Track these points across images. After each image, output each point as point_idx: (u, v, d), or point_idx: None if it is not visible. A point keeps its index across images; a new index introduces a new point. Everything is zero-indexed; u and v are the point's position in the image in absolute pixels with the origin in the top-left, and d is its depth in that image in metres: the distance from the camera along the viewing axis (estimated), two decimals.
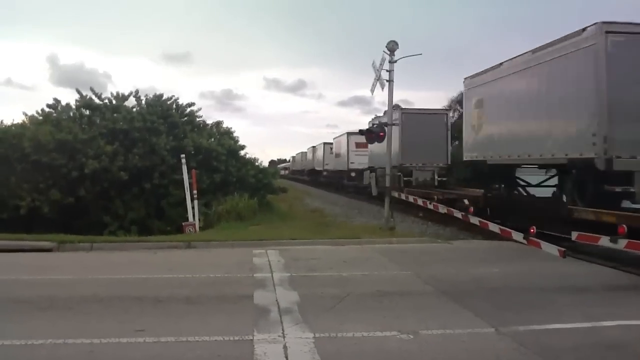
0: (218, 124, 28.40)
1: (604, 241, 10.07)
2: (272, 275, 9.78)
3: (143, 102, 25.35)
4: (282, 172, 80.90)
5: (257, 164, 27.74)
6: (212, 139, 25.62)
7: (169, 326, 6.65)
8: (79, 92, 24.61)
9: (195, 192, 18.80)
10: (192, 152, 22.95)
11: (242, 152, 26.86)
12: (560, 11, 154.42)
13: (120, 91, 25.90)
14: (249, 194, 22.92)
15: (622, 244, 9.65)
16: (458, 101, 52.98)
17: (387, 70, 17.55)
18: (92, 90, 24.70)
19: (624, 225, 9.70)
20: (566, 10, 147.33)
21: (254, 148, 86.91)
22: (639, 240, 9.48)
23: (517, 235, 12.18)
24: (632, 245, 9.53)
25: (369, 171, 29.38)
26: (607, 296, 8.76)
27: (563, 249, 10.39)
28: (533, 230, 11.24)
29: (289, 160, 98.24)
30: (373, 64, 18.08)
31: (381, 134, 17.93)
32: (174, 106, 25.68)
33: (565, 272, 10.52)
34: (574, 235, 10.81)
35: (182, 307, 7.66)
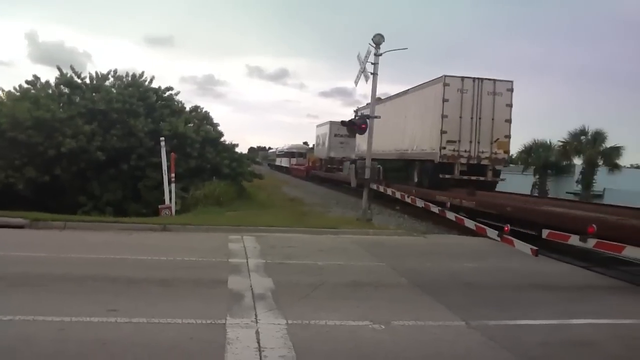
0: (196, 108, 28.00)
1: (574, 240, 10.27)
2: (247, 261, 9.76)
3: (120, 81, 24.99)
4: (278, 162, 75.22)
5: (235, 150, 27.60)
6: (190, 124, 25.33)
7: (142, 307, 6.61)
8: (59, 69, 24.23)
9: (173, 175, 18.64)
10: (169, 137, 22.73)
11: (221, 139, 26.70)
12: (545, 12, 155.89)
13: (100, 71, 25.45)
14: (223, 181, 22.81)
15: (591, 243, 9.85)
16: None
17: (372, 63, 17.58)
18: (72, 68, 24.33)
19: (594, 225, 9.93)
20: (549, 12, 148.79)
21: (234, 135, 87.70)
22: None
23: (492, 233, 12.35)
24: (600, 245, 9.73)
25: (349, 162, 29.57)
26: (578, 294, 8.93)
27: (535, 248, 10.56)
28: (507, 228, 11.41)
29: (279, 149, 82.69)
30: (358, 56, 18.11)
31: (363, 126, 17.96)
32: (151, 87, 25.31)
33: (538, 270, 10.69)
34: (545, 233, 10.99)
35: (155, 289, 7.61)
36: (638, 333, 6.87)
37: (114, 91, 24.09)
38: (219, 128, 27.45)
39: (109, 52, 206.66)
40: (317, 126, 50.00)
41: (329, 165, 42.48)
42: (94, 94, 23.45)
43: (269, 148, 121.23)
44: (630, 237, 9.38)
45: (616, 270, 10.75)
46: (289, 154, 67.01)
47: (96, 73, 24.87)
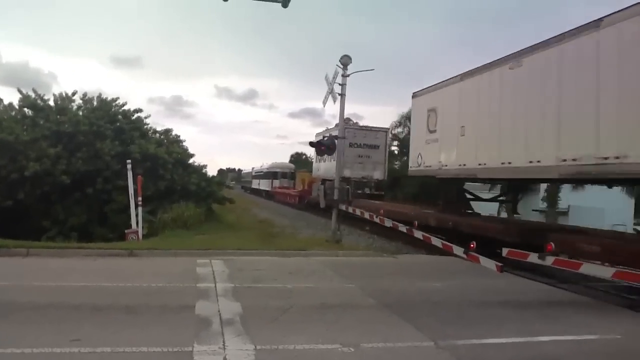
0: (167, 132, 27.94)
1: (533, 258, 10.44)
2: (215, 286, 9.65)
3: (88, 105, 24.67)
4: (255, 184, 64.70)
5: (203, 171, 27.49)
6: (161, 147, 25.19)
7: (107, 336, 6.47)
8: (20, 91, 23.76)
9: (139, 199, 18.40)
10: (139, 159, 22.46)
11: (190, 160, 26.62)
12: (506, 31, 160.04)
13: (66, 92, 25.06)
14: (194, 203, 22.62)
15: (549, 260, 10.04)
16: (407, 117, 54.16)
17: (339, 84, 17.78)
18: (34, 91, 23.93)
19: (552, 243, 10.16)
20: (514, 30, 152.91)
21: (203, 156, 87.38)
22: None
23: (458, 250, 12.47)
24: (558, 263, 9.93)
25: (318, 183, 29.94)
26: (544, 312, 9.06)
27: (500, 264, 10.70)
28: (473, 245, 11.55)
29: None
30: (326, 77, 18.28)
31: (331, 147, 18.07)
32: (120, 111, 25.11)
33: (505, 288, 10.84)
34: (505, 251, 11.18)
35: (121, 317, 7.46)
36: (602, 348, 7.00)
37: (81, 113, 23.74)
38: (189, 150, 27.47)
39: (75, 73, 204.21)
40: (318, 135, 39.09)
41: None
42: (58, 117, 23.05)
43: (239, 170, 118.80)
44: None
45: (579, 287, 10.97)
46: (270, 174, 55.66)
47: (61, 94, 24.50)
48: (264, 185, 58.16)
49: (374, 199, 26.45)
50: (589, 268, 9.34)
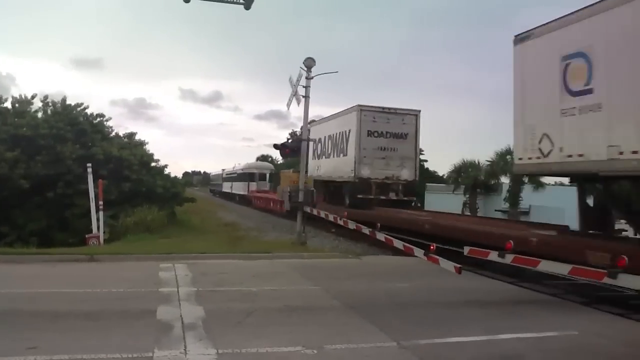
0: (131, 135, 27.61)
1: (493, 256, 10.59)
2: (178, 290, 9.54)
3: (49, 109, 24.13)
4: (227, 187, 58.19)
5: (166, 172, 27.20)
6: (125, 149, 24.82)
7: (65, 343, 6.33)
8: None
9: (101, 203, 18.06)
10: (102, 161, 22.06)
11: (153, 163, 26.29)
12: (474, 36, 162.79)
13: (25, 94, 24.47)
14: (157, 205, 22.32)
15: (509, 258, 10.20)
16: None
17: (303, 86, 17.79)
18: None
19: (511, 241, 10.34)
20: (480, 35, 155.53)
21: (168, 159, 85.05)
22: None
23: (418, 252, 12.58)
24: (518, 260, 10.10)
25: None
26: (505, 309, 9.24)
27: (459, 266, 10.81)
28: (433, 247, 11.66)
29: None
30: (290, 79, 18.27)
31: (295, 149, 18.06)
32: (82, 114, 24.65)
33: (468, 287, 10.98)
34: (466, 250, 11.33)
35: (80, 323, 7.31)
36: (561, 345, 7.15)
37: (40, 116, 23.20)
38: (152, 152, 27.19)
39: (34, 75, 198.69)
40: (316, 123, 27.81)
41: (359, 196, 21.62)
42: (16, 119, 22.49)
43: (204, 172, 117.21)
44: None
45: (539, 284, 11.19)
46: (245, 176, 47.41)
47: (19, 97, 23.91)
48: (237, 188, 50.93)
49: (403, 207, 20.95)
50: (546, 265, 9.50)
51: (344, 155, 22.73)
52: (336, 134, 24.23)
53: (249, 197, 43.51)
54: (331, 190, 25.61)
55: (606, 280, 8.20)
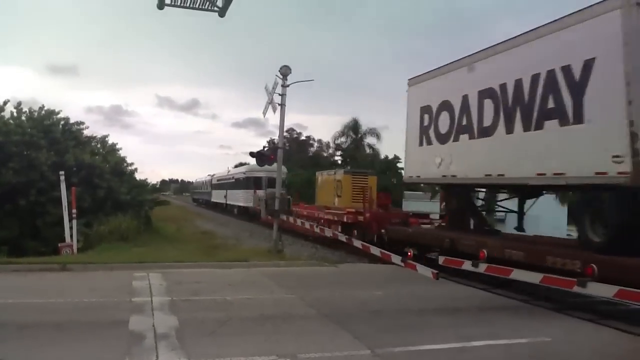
0: (103, 139, 27.02)
1: (467, 265, 10.73)
2: (151, 300, 9.42)
3: (24, 115, 23.65)
4: (218, 197, 48.14)
5: (134, 175, 26.68)
6: (97, 156, 24.43)
7: (33, 355, 6.25)
8: None
9: (74, 211, 17.77)
10: (74, 169, 21.70)
11: (128, 169, 25.88)
12: (448, 45, 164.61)
13: None
14: (129, 213, 21.99)
15: (482, 267, 10.32)
16: (351, 127, 54.87)
17: (279, 94, 17.76)
18: None
19: (484, 250, 10.47)
20: (455, 44, 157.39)
21: (145, 167, 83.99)
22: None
23: (396, 259, 12.65)
24: (490, 269, 10.23)
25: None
26: (479, 317, 9.30)
27: (436, 272, 10.92)
28: (410, 254, 11.76)
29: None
30: (266, 87, 18.25)
31: (272, 156, 18.03)
32: (56, 120, 24.18)
33: (443, 294, 11.06)
34: (441, 259, 11.43)
35: (50, 334, 7.17)
36: (532, 352, 7.22)
37: (12, 122, 22.74)
38: (128, 159, 26.71)
39: (7, 81, 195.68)
40: (445, 70, 14.59)
41: None
42: None
43: (181, 180, 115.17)
44: None
45: (512, 291, 11.32)
46: (249, 181, 35.60)
47: None
48: (236, 198, 39.55)
49: None
50: (518, 274, 9.66)
51: (564, 124, 10.21)
52: (531, 77, 11.02)
53: (255, 209, 30.84)
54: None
55: (576, 288, 8.38)
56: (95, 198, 22.08)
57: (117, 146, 27.10)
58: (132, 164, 26.63)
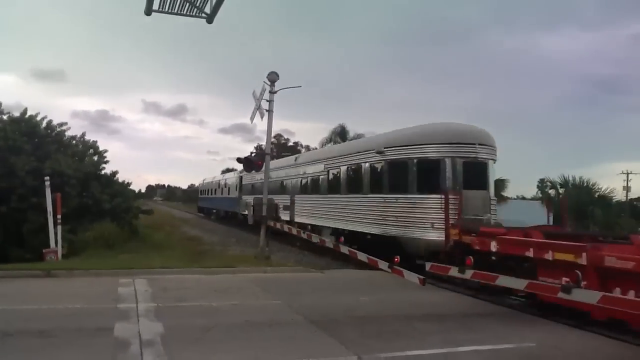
0: (83, 138, 25.99)
1: (454, 271, 10.78)
2: (137, 306, 9.35)
3: (6, 118, 23.32)
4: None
5: (116, 178, 25.86)
6: (76, 158, 23.71)
7: None
8: None
9: (59, 217, 17.57)
10: (52, 175, 21.27)
11: (106, 172, 25.07)
12: (435, 53, 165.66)
13: None
14: (114, 220, 21.68)
15: (469, 274, 10.38)
16: (338, 133, 54.91)
17: (267, 100, 17.74)
18: None
19: (471, 257, 10.52)
20: (442, 53, 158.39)
21: (131, 173, 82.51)
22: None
23: (383, 264, 12.69)
24: (476, 276, 10.30)
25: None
26: (465, 322, 9.30)
27: (423, 277, 10.99)
28: (397, 259, 11.79)
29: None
30: (253, 93, 18.24)
31: (259, 162, 18.01)
32: (38, 124, 23.69)
33: (429, 300, 11.09)
34: (428, 266, 11.48)
35: (33, 342, 7.09)
36: (516, 357, 7.27)
37: None
38: (109, 161, 25.40)
39: None
40: None
41: None
42: None
43: (168, 185, 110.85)
44: None
45: (498, 297, 11.37)
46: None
47: None
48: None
49: None
50: (504, 280, 9.72)
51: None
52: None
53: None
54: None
55: (560, 295, 8.43)
56: (82, 203, 21.68)
57: (96, 142, 25.82)
58: (106, 160, 25.67)
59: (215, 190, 46.33)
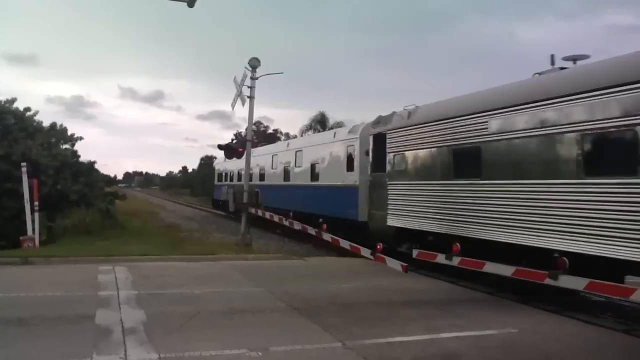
0: (54, 126, 25.29)
1: (440, 258, 10.85)
2: (118, 294, 9.27)
3: None
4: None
5: (99, 171, 25.35)
6: (46, 144, 23.13)
7: None
8: None
9: (36, 203, 17.27)
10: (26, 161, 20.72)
11: (83, 161, 24.53)
12: (416, 41, 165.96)
13: None
14: (89, 207, 21.24)
15: (455, 261, 10.45)
16: (318, 120, 54.90)
17: (248, 87, 17.63)
18: None
19: (457, 244, 10.57)
20: (422, 40, 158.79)
21: (108, 159, 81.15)
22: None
23: (365, 252, 12.71)
24: (464, 263, 10.37)
25: (226, 187, 28.86)
26: (446, 309, 9.38)
27: (405, 264, 11.03)
28: (380, 247, 11.81)
29: None
30: (235, 79, 18.10)
31: (239, 149, 17.90)
32: (8, 107, 23.05)
33: (411, 287, 11.16)
34: (415, 252, 11.53)
35: (12, 330, 6.98)
36: (497, 343, 7.33)
37: None
38: (76, 149, 24.69)
39: None
40: None
41: None
42: None
43: (146, 172, 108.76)
44: None
45: (479, 283, 11.49)
46: None
47: None
48: None
49: None
50: (491, 267, 9.79)
51: None
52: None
53: None
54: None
55: (548, 281, 8.53)
56: (51, 192, 21.03)
57: (67, 129, 25.01)
58: (93, 161, 25.21)
59: (238, 174, 29.24)
